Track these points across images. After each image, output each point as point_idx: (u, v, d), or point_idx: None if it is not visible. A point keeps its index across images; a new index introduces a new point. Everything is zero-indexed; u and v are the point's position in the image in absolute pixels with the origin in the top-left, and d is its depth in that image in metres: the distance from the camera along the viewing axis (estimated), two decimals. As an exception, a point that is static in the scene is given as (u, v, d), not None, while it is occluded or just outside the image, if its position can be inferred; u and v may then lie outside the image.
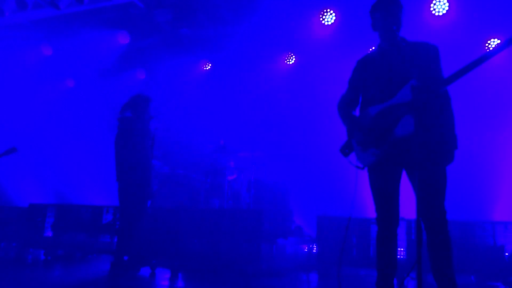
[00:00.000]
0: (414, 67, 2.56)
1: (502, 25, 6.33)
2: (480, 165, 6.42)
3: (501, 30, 6.47)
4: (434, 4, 6.49)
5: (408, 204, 2.95)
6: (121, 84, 9.33)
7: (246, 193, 6.75)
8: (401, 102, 2.54)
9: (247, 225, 5.21)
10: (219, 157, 6.93)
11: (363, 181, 2.88)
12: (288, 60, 8.07)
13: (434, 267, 2.48)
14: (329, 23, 7.07)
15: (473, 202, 6.20)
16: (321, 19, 7.07)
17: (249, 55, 8.17)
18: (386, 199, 2.68)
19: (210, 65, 8.65)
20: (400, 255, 4.92)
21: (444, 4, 6.44)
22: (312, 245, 5.81)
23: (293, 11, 7.12)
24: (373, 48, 2.91)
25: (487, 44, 6.65)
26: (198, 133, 8.27)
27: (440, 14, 6.48)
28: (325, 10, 7.03)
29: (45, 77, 9.65)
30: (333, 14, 7.02)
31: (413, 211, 2.54)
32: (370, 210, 3.16)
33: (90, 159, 9.19)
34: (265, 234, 5.36)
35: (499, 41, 6.49)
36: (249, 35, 7.69)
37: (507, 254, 4.62)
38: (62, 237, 6.18)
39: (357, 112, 2.92)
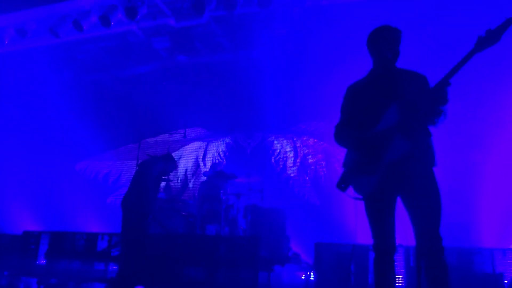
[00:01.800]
0: (403, 88, 2.59)
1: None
2: (474, 191, 6.43)
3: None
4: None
5: (406, 230, 2.94)
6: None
7: (242, 219, 6.70)
8: (389, 125, 2.55)
9: (244, 252, 5.15)
10: (215, 182, 6.91)
11: (360, 208, 2.88)
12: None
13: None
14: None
15: (469, 228, 6.18)
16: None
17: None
18: (383, 227, 2.66)
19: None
20: (399, 283, 4.86)
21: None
22: (310, 273, 5.74)
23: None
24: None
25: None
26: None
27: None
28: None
29: (42, 101, 9.73)
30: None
31: (411, 238, 2.55)
32: (367, 237, 3.15)
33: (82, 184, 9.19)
34: (262, 261, 5.30)
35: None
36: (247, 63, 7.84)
37: (506, 281, 4.58)
38: (56, 265, 6.08)
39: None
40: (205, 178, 7.43)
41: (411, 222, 2.58)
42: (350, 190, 2.72)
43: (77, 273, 5.93)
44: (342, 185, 2.74)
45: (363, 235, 2.95)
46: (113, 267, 5.93)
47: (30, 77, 9.58)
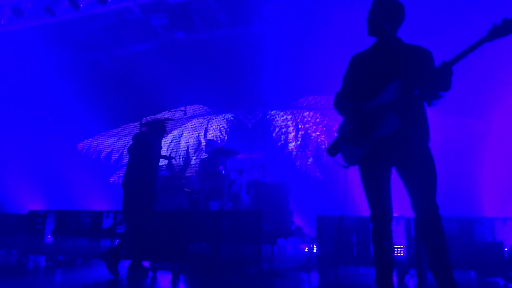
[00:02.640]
0: (405, 66, 2.57)
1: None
2: (475, 161, 6.46)
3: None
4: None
5: (406, 201, 2.98)
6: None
7: (245, 194, 6.76)
8: (385, 101, 2.57)
9: (247, 227, 5.21)
10: (215, 159, 6.95)
11: (358, 179, 2.92)
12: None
13: (431, 262, 2.52)
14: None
15: (470, 198, 6.24)
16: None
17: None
18: (378, 196, 2.71)
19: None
20: (400, 253, 4.94)
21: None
22: (312, 245, 5.83)
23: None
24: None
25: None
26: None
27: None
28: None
29: (41, 81, 9.68)
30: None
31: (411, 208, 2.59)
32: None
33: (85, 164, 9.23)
34: (265, 235, 5.37)
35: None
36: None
37: (506, 249, 4.65)
38: (63, 243, 6.18)
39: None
40: (206, 155, 7.46)
41: (408, 193, 2.63)
42: (339, 157, 2.79)
43: (84, 250, 6.03)
44: (333, 150, 2.82)
45: (366, 207, 3.01)
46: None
47: (28, 57, 9.51)
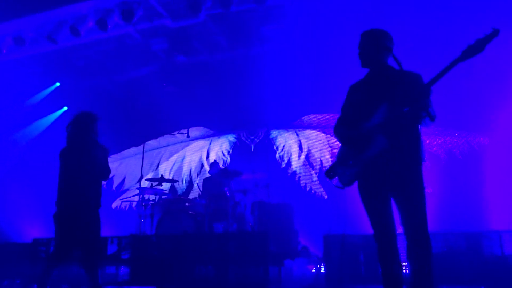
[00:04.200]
0: (393, 90, 2.70)
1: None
2: (481, 175, 6.45)
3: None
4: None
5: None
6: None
7: (250, 215, 6.72)
8: (374, 124, 2.70)
9: (253, 248, 5.17)
10: (219, 180, 6.93)
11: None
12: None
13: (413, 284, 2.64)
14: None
15: (477, 212, 6.20)
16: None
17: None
18: (378, 215, 2.81)
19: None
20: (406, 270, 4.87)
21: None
22: (320, 265, 5.76)
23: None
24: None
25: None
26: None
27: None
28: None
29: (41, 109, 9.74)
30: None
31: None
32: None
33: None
34: (272, 257, 5.32)
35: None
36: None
37: (516, 263, 4.60)
38: (67, 270, 6.09)
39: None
40: (209, 176, 7.45)
41: (399, 217, 2.74)
42: (336, 180, 2.97)
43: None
44: (330, 173, 3.00)
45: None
46: (124, 270, 5.96)
47: (29, 85, 9.60)
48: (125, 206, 9.46)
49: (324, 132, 8.27)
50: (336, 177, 2.95)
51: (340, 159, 2.95)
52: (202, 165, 9.28)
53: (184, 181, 9.33)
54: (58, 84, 9.66)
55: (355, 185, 2.90)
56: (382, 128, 2.65)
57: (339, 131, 3.01)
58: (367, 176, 2.77)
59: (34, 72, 9.22)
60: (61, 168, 4.22)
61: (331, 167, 3.01)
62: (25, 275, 6.29)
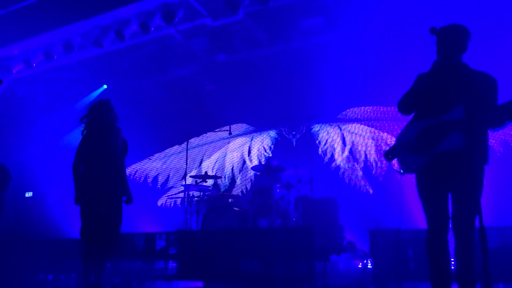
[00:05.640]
0: (470, 92, 2.65)
1: None
2: None
3: None
4: None
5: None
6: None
7: (293, 211, 6.71)
8: (452, 119, 2.66)
9: (298, 243, 5.16)
10: (265, 176, 6.96)
11: (414, 191, 2.90)
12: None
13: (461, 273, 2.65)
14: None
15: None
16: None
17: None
18: (436, 210, 2.76)
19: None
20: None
21: None
22: (366, 261, 5.67)
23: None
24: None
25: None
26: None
27: None
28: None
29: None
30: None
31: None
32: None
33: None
34: (317, 252, 5.29)
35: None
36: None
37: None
38: (118, 265, 6.32)
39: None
40: (253, 172, 7.48)
41: (451, 211, 2.75)
42: (395, 163, 2.95)
43: (139, 272, 6.16)
44: (390, 155, 2.98)
45: (420, 220, 3.01)
46: (172, 264, 6.12)
47: (75, 90, 10.02)
48: (170, 203, 9.70)
49: (368, 126, 8.09)
50: (396, 161, 2.90)
51: (403, 144, 2.85)
52: (244, 162, 9.35)
53: (226, 177, 9.44)
54: (105, 86, 10.02)
55: (404, 179, 2.87)
56: (461, 126, 2.60)
57: (406, 109, 2.93)
58: (433, 169, 2.73)
59: (81, 76, 9.60)
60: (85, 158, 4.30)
61: (391, 149, 2.98)
62: (78, 270, 6.58)
